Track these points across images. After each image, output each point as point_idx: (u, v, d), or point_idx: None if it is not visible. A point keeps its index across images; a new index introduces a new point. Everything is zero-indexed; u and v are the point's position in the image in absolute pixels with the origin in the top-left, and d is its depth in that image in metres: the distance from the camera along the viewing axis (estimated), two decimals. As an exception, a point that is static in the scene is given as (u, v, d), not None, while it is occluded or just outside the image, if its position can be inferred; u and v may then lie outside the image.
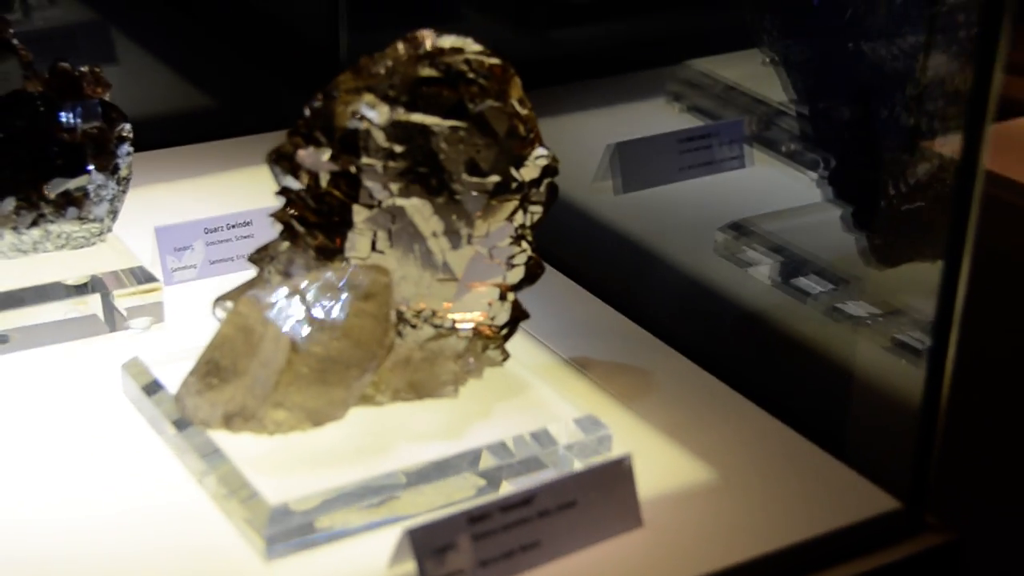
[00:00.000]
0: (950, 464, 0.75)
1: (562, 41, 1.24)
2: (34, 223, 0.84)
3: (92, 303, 0.85)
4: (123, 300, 0.85)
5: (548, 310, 0.90)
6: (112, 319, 0.85)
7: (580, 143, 1.09)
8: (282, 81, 1.19)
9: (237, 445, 0.72)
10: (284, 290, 0.72)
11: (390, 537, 0.67)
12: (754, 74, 1.11)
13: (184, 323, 0.87)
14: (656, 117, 1.15)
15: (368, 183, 0.74)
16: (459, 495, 0.72)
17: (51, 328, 0.85)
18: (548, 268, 0.96)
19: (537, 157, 0.77)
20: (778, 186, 1.05)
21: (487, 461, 0.73)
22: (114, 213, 0.87)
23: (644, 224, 1.02)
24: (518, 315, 0.79)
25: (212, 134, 1.11)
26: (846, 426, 0.79)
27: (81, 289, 0.85)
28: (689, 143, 1.06)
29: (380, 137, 0.73)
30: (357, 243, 0.75)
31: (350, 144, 0.73)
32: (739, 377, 0.85)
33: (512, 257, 0.78)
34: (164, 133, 1.10)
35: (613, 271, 0.98)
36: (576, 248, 1.00)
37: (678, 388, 0.84)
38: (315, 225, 0.74)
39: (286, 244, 0.75)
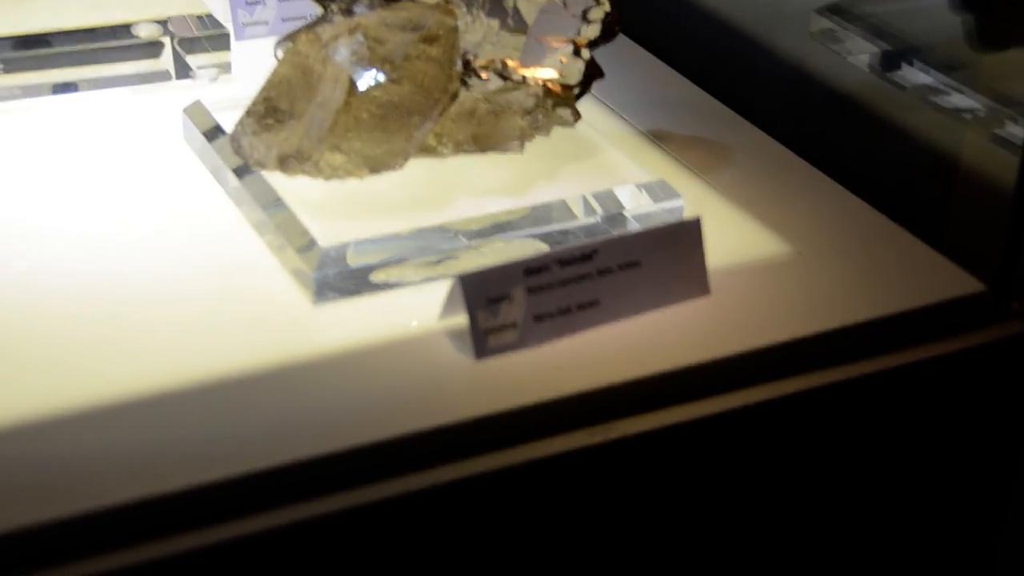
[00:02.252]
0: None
1: None
2: (98, -41, 0.81)
3: (160, 49, 0.83)
4: (191, 47, 0.82)
5: (629, 84, 0.86)
6: (178, 68, 0.83)
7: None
8: None
9: (295, 192, 0.70)
10: (346, 28, 0.69)
11: (443, 289, 0.64)
12: None
13: (251, 77, 0.83)
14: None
15: (439, -79, 0.70)
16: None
17: (119, 73, 0.82)
18: (634, 46, 0.92)
19: (621, -93, 0.73)
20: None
21: (550, 223, 0.70)
22: (182, -44, 0.84)
23: (743, 10, 0.96)
24: (593, 73, 0.75)
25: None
26: (935, 210, 0.75)
27: (150, 34, 0.82)
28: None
29: None
30: (427, -14, 0.71)
31: None
32: (826, 160, 0.80)
33: (588, 11, 0.73)
34: None
35: (706, 55, 0.93)
36: (669, 30, 0.95)
37: (759, 164, 0.79)
38: (382, -38, 0.70)
39: (352, -18, 0.71)
